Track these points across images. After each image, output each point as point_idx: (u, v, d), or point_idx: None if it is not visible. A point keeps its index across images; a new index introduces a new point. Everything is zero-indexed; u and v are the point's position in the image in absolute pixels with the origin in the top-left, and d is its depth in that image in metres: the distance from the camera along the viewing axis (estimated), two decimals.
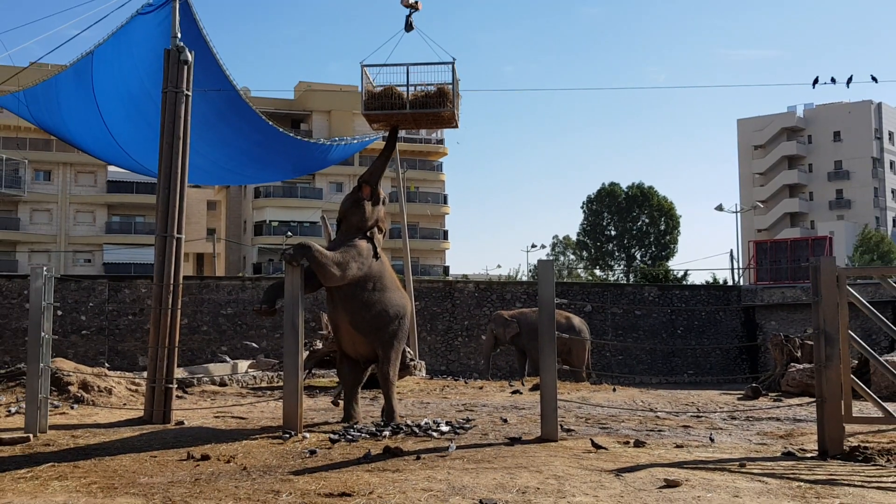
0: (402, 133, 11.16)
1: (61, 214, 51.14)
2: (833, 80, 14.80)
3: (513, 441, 7.42)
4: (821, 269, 7.07)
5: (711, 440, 7.79)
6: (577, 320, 18.97)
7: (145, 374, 9.88)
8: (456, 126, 9.40)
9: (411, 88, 8.92)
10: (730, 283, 38.70)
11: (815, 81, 14.97)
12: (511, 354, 22.70)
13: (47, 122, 12.02)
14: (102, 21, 10.52)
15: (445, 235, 59.71)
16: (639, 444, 7.37)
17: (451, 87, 8.92)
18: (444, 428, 8.13)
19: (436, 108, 8.90)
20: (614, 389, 13.58)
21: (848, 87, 14.36)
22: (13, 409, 9.65)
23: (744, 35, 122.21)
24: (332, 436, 7.65)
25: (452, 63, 8.96)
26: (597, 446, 7.08)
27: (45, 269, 8.27)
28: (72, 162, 50.34)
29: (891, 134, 76.20)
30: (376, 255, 8.69)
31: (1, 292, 24.08)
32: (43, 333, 8.16)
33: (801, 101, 78.93)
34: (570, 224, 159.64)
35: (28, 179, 50.26)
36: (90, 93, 11.24)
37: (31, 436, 7.67)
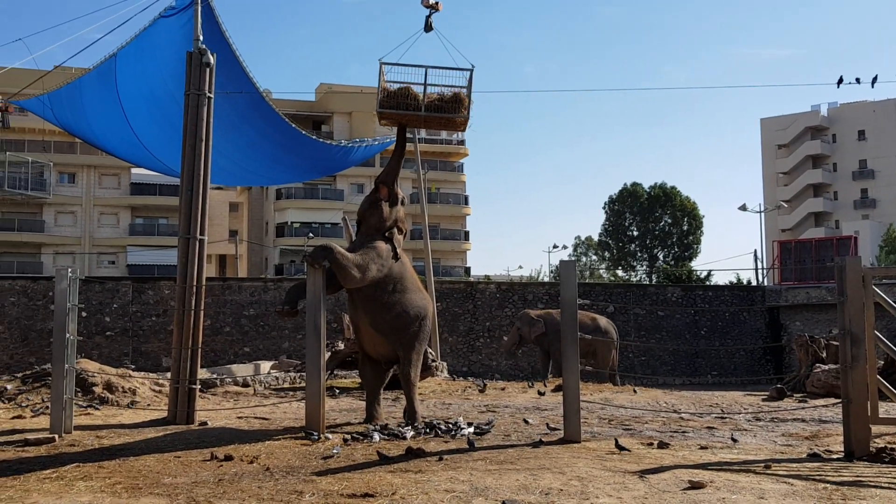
0: (422, 133, 11.15)
1: (85, 216, 51.58)
2: (857, 80, 14.69)
3: (535, 442, 7.40)
4: (846, 269, 7.00)
5: (734, 440, 7.75)
6: (603, 321, 18.89)
7: (169, 374, 9.92)
8: (463, 130, 9.40)
9: (427, 89, 8.88)
10: (754, 283, 38.47)
11: (840, 81, 14.86)
12: (533, 354, 22.66)
13: (71, 124, 12.12)
14: (125, 24, 10.59)
15: (467, 236, 59.69)
16: (662, 445, 7.33)
17: (466, 92, 8.90)
18: (467, 429, 8.12)
19: (451, 113, 8.88)
20: (635, 391, 13.48)
21: (873, 87, 14.23)
22: (38, 410, 9.74)
23: (764, 34, 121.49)
24: (354, 436, 7.67)
25: (471, 70, 8.93)
26: (620, 448, 7.05)
27: (69, 270, 8.33)
28: (96, 164, 50.78)
29: None
30: (396, 256, 8.69)
31: (26, 294, 24.30)
32: (68, 335, 8.22)
33: (825, 100, 78.02)
34: (593, 224, 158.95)
35: (53, 182, 50.72)
36: (114, 95, 11.32)
37: (56, 436, 7.73)
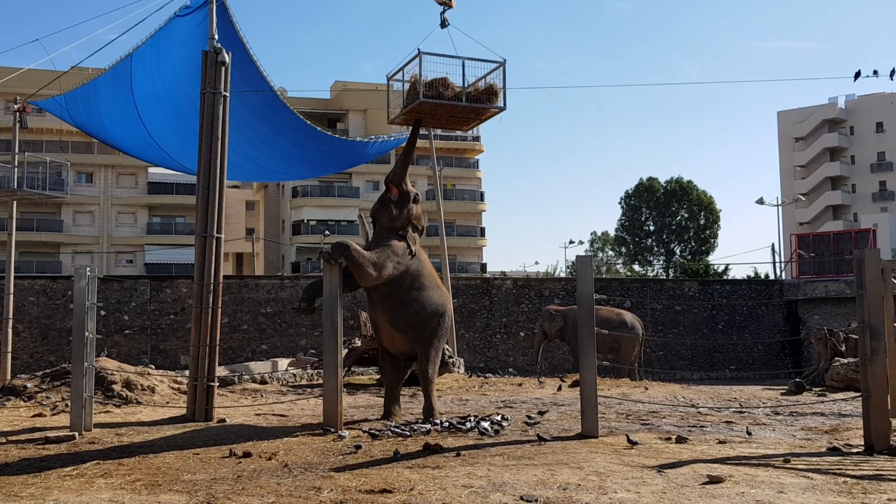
0: (437, 130, 11.17)
1: (103, 216, 51.88)
2: (875, 73, 14.60)
3: (553, 437, 7.39)
4: (865, 262, 6.96)
5: (749, 434, 7.72)
6: (629, 316, 18.86)
7: (187, 372, 9.97)
8: (466, 131, 9.43)
9: (460, 83, 8.89)
10: (772, 277, 38.25)
11: (857, 75, 14.78)
12: (549, 350, 22.65)
13: (87, 124, 12.20)
14: (141, 24, 10.68)
15: (482, 233, 59.64)
16: (681, 440, 7.31)
17: (500, 84, 8.93)
18: (484, 425, 8.12)
19: (487, 103, 8.93)
20: (646, 388, 13.33)
21: (892, 79, 14.13)
22: (58, 408, 9.80)
23: (779, 26, 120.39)
24: (372, 432, 7.68)
25: (503, 63, 8.95)
26: (637, 443, 7.04)
27: (88, 269, 8.38)
28: (113, 164, 51.05)
29: None
30: (411, 253, 8.68)
31: (45, 293, 24.48)
32: (87, 333, 8.27)
33: (842, 92, 77.33)
34: (609, 220, 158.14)
35: (70, 182, 50.78)
36: (129, 95, 11.38)
37: (76, 434, 7.79)
